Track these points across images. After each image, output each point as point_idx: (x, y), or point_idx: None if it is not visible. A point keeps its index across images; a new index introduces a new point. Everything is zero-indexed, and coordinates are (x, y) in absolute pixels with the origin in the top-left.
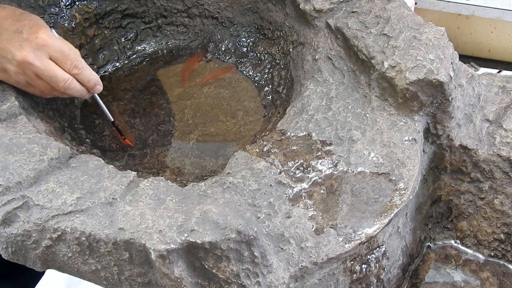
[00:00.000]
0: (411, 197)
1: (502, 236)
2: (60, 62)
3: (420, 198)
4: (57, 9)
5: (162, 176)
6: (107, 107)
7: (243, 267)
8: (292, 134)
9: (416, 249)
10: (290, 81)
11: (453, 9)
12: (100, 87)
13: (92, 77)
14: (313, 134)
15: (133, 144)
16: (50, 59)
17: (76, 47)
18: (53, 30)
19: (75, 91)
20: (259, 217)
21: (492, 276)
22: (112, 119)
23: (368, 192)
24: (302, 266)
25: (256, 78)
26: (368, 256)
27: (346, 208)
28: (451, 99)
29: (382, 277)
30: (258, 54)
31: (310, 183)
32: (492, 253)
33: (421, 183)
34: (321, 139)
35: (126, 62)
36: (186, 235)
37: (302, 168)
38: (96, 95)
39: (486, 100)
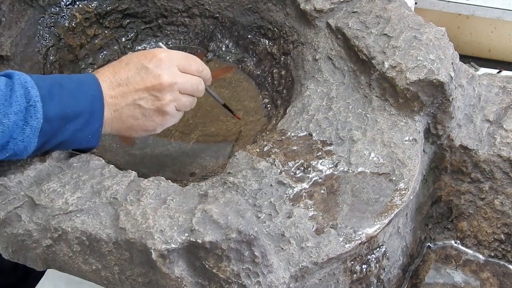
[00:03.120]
0: (411, 197)
1: (502, 236)
2: (187, 68)
3: (421, 198)
4: (57, 8)
5: (162, 176)
6: None
7: (244, 267)
8: (292, 134)
9: (416, 249)
10: (290, 81)
11: (453, 9)
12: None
13: (206, 66)
14: (314, 134)
15: (239, 117)
16: (179, 70)
17: (76, 47)
18: (160, 43)
19: (202, 91)
20: (259, 217)
21: (492, 276)
22: (223, 102)
23: (369, 192)
24: (302, 266)
25: (256, 78)
26: (369, 256)
27: (347, 208)
28: (452, 99)
29: (382, 277)
30: (259, 54)
31: (310, 183)
32: (492, 254)
33: (422, 183)
34: (321, 139)
35: None
36: (186, 234)
37: (302, 168)
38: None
39: (487, 100)
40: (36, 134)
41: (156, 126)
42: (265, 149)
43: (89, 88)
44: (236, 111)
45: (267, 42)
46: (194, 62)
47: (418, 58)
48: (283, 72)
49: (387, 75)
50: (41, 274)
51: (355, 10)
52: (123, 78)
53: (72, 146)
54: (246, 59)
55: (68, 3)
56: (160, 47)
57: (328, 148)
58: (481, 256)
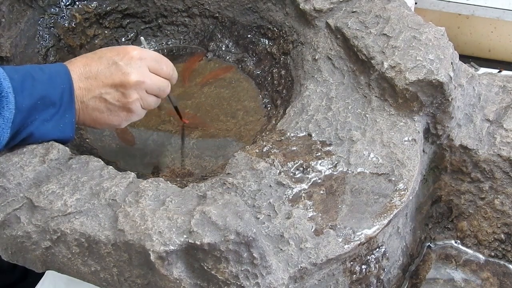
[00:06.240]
0: (411, 197)
1: (502, 236)
2: (157, 70)
3: (420, 198)
4: (57, 9)
5: (162, 177)
6: None
7: (242, 268)
8: (292, 135)
9: (416, 249)
10: (290, 81)
11: (453, 9)
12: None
13: (175, 71)
14: (313, 135)
15: (186, 121)
16: (149, 70)
17: (76, 47)
18: (141, 37)
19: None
20: (258, 218)
21: (492, 276)
22: (176, 104)
23: (368, 193)
24: (301, 267)
25: (256, 78)
26: (368, 257)
27: (346, 208)
28: (451, 99)
29: (382, 277)
30: (258, 54)
31: (309, 183)
32: (493, 253)
33: (421, 183)
34: (321, 140)
35: None
36: (185, 236)
37: (301, 169)
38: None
39: (487, 100)
40: (8, 125)
41: (121, 121)
42: (264, 150)
43: (60, 80)
44: (236, 111)
45: (266, 42)
46: (166, 65)
47: (418, 58)
48: (282, 72)
49: (387, 75)
50: (40, 273)
51: (354, 10)
52: (93, 71)
53: (45, 137)
54: (246, 59)
55: (67, 3)
56: (141, 42)
57: (328, 148)
58: (481, 256)
